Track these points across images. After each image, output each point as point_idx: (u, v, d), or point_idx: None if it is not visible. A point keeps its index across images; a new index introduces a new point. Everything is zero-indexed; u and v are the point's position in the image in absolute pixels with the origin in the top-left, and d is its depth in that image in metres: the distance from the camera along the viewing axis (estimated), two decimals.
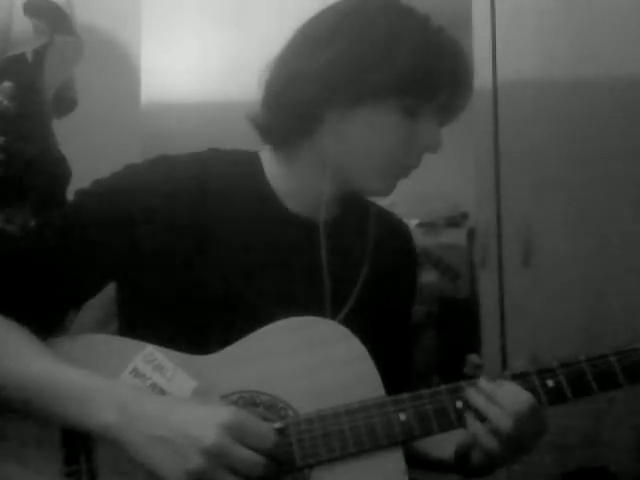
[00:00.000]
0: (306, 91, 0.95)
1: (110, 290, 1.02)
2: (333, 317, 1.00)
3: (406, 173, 1.02)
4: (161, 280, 0.96)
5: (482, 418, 0.90)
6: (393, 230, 1.15)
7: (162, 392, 0.91)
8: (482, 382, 0.92)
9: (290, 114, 0.97)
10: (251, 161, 1.04)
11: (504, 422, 0.89)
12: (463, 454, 0.98)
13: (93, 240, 0.95)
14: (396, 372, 1.09)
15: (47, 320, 0.96)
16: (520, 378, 0.92)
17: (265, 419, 0.90)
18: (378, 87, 0.94)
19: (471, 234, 2.50)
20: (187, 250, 0.96)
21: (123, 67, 2.00)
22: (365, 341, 0.94)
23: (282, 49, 1.00)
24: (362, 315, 1.02)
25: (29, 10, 1.58)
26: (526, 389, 0.91)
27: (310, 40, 0.98)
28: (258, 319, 0.94)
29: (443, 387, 0.92)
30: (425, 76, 0.94)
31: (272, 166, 1.04)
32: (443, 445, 1.02)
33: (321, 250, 1.02)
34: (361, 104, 0.95)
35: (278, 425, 0.88)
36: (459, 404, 0.91)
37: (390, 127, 0.96)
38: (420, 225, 2.64)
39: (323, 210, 1.02)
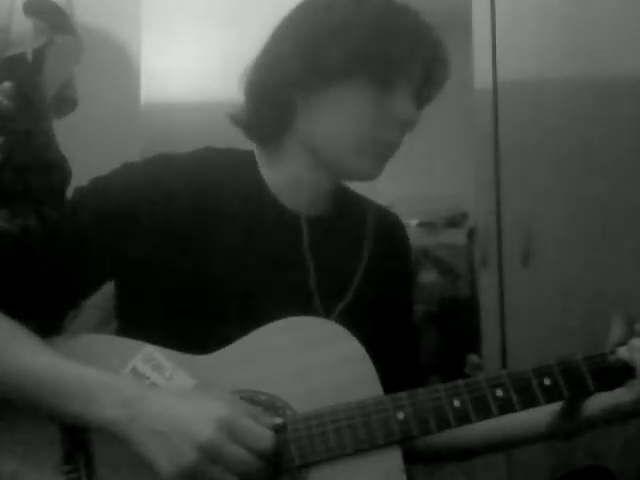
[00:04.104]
0: (273, 77, 0.98)
1: (110, 290, 1.03)
2: (327, 313, 1.00)
3: (388, 152, 1.01)
4: (159, 278, 0.96)
5: None
6: (389, 226, 1.15)
7: None
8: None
9: (263, 103, 0.99)
10: (246, 159, 1.05)
11: None
12: (571, 409, 0.97)
13: (91, 238, 0.95)
14: (403, 369, 1.09)
15: (46, 319, 0.96)
16: None
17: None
18: (341, 64, 0.95)
19: (471, 234, 2.50)
20: (184, 248, 0.97)
21: (123, 67, 2.01)
22: (364, 337, 0.94)
23: (258, 52, 1.02)
24: (359, 311, 1.02)
25: (29, 10, 1.58)
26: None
27: (279, 34, 1.01)
28: (256, 317, 0.94)
29: (440, 386, 0.92)
30: (386, 47, 0.95)
31: (265, 163, 1.05)
32: (517, 417, 0.98)
33: (303, 244, 1.02)
34: (329, 83, 0.97)
35: (277, 421, 0.89)
36: (456, 402, 0.91)
37: (361, 103, 0.97)
38: (420, 225, 2.63)
39: (310, 203, 1.03)
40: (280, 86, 0.98)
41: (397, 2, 0.99)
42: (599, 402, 0.95)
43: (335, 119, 0.98)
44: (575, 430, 1.00)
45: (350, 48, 0.94)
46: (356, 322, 0.96)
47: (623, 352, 0.93)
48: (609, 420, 0.97)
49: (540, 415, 1.01)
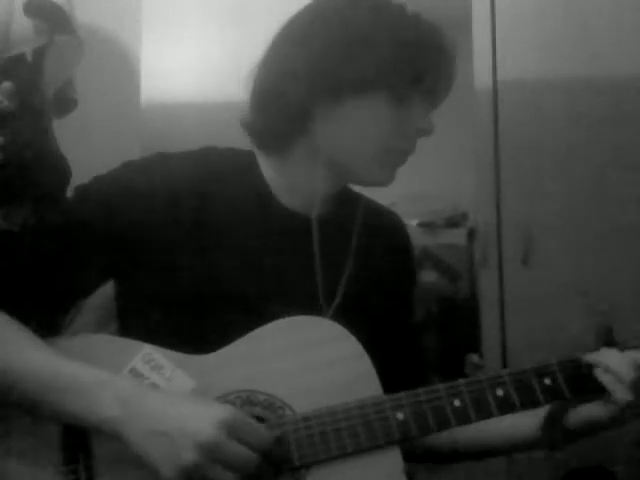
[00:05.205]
0: (291, 90, 0.96)
1: (110, 290, 1.03)
2: (324, 313, 1.00)
3: (403, 160, 1.02)
4: (159, 277, 0.96)
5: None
6: (383, 222, 1.15)
7: None
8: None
9: (279, 115, 0.99)
10: (247, 158, 1.05)
11: None
12: (554, 419, 0.98)
13: (91, 236, 0.96)
14: (404, 368, 1.09)
15: (46, 318, 0.96)
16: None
17: (261, 418, 0.90)
18: (361, 77, 0.95)
19: (471, 234, 2.50)
20: (184, 247, 0.97)
21: (123, 67, 2.00)
22: (360, 335, 0.94)
23: (264, 54, 1.01)
24: (353, 310, 1.02)
25: (29, 10, 1.58)
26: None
27: (290, 40, 1.00)
28: (256, 317, 0.94)
29: (441, 386, 0.92)
30: (406, 61, 0.95)
31: (267, 163, 1.04)
32: (502, 424, 1.01)
33: (313, 246, 1.02)
34: (348, 96, 0.96)
35: (276, 434, 0.88)
36: (457, 402, 0.91)
37: (380, 115, 0.97)
38: (420, 225, 2.64)
39: (317, 206, 1.03)
40: (297, 100, 0.97)
41: (409, 11, 0.99)
42: (578, 416, 0.96)
43: (356, 129, 0.98)
44: (559, 440, 1.00)
45: (373, 61, 0.94)
46: (350, 321, 0.96)
47: (599, 373, 0.93)
48: (590, 433, 0.98)
49: (525, 423, 1.02)
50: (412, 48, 0.96)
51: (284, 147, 1.02)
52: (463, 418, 0.91)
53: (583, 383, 0.93)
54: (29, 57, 1.61)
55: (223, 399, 0.91)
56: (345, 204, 1.10)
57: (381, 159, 1.00)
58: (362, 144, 0.99)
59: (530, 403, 0.92)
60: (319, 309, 1.01)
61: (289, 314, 0.95)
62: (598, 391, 0.93)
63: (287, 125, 0.99)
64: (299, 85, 0.96)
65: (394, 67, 0.95)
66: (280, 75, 0.98)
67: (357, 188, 1.13)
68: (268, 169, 1.04)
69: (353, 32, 0.96)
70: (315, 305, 1.01)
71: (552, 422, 0.98)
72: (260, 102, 1.01)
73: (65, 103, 1.76)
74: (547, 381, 0.92)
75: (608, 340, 0.97)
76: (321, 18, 0.99)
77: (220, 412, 0.83)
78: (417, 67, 0.97)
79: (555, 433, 0.98)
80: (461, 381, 0.92)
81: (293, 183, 1.03)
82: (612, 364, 0.92)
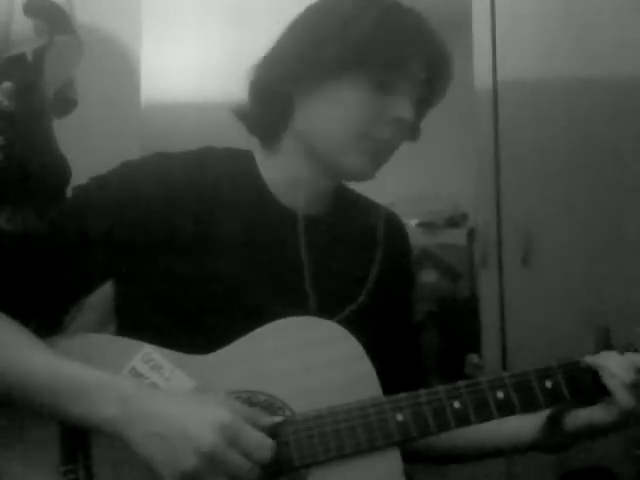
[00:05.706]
0: (273, 74, 0.99)
1: (108, 292, 1.03)
2: (333, 315, 0.99)
3: (380, 150, 1.00)
4: (158, 277, 0.96)
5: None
6: (396, 229, 1.15)
7: None
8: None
9: (263, 98, 1.00)
10: (245, 158, 1.06)
11: None
12: (554, 421, 0.98)
13: (90, 237, 0.96)
14: (409, 370, 1.10)
15: (46, 317, 0.96)
16: None
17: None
18: (337, 61, 0.95)
19: (471, 234, 2.50)
20: (184, 247, 0.97)
21: (123, 67, 2.01)
22: (372, 338, 0.94)
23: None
24: (369, 313, 1.03)
25: (29, 10, 1.58)
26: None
27: (284, 32, 1.02)
28: (256, 317, 0.94)
29: (441, 387, 0.92)
30: (384, 47, 0.95)
31: (264, 161, 1.05)
32: (503, 426, 1.01)
33: (301, 244, 1.02)
34: (325, 80, 0.97)
35: (277, 419, 0.89)
36: (457, 404, 0.91)
37: (356, 100, 0.97)
38: (420, 225, 2.64)
39: (312, 202, 1.03)
40: (279, 82, 0.98)
41: (403, 5, 0.99)
42: (579, 419, 0.96)
43: (328, 115, 0.98)
44: (560, 443, 1.00)
45: (346, 45, 0.95)
46: (365, 324, 0.96)
47: (607, 377, 0.93)
48: (590, 436, 0.97)
49: (525, 425, 1.02)
50: (391, 35, 0.95)
51: (273, 138, 1.03)
52: (463, 420, 0.91)
53: (584, 386, 0.93)
54: (29, 57, 1.61)
55: (228, 395, 0.91)
56: (353, 207, 1.10)
57: (354, 146, 0.98)
58: (334, 128, 0.98)
59: (530, 406, 0.92)
60: (309, 309, 1.00)
61: (285, 314, 0.95)
62: (599, 394, 0.93)
63: (272, 112, 1.01)
64: (279, 68, 0.98)
65: (369, 51, 0.94)
66: (268, 63, 1.00)
67: (356, 188, 1.13)
68: (265, 167, 1.04)
69: (338, 18, 0.97)
70: (306, 305, 1.00)
71: (553, 424, 0.98)
72: (251, 90, 1.03)
73: (65, 103, 1.76)
74: (548, 384, 0.92)
75: (607, 342, 0.97)
76: (314, 13, 1.00)
77: (219, 415, 0.83)
78: (399, 52, 0.96)
79: (556, 435, 0.98)
80: (461, 383, 0.92)
81: (286, 179, 1.03)
82: (612, 367, 0.92)
